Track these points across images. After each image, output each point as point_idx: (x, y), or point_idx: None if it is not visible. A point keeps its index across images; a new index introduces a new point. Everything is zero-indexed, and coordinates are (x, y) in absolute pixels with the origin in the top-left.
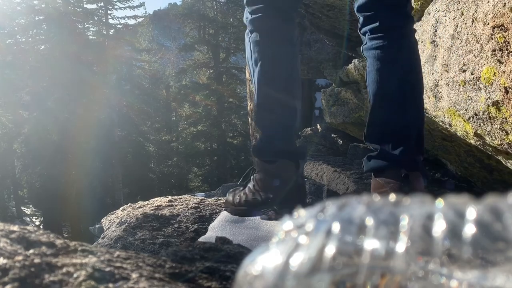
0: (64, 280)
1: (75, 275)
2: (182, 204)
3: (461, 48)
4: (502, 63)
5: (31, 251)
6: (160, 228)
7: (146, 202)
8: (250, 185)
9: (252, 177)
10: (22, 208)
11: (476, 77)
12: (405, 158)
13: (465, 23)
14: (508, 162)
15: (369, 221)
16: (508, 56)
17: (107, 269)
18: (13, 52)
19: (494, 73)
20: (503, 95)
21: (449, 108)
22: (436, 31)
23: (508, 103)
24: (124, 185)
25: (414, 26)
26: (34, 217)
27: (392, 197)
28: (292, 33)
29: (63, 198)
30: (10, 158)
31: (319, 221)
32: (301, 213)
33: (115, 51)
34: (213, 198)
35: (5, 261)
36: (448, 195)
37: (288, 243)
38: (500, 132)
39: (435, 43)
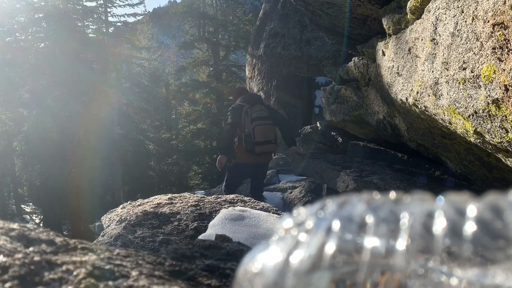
0: (64, 278)
1: (75, 273)
2: (182, 202)
3: (461, 46)
4: (502, 61)
5: (31, 248)
6: (160, 226)
7: (146, 200)
8: None
9: None
10: (22, 206)
11: (476, 75)
12: None
13: (465, 21)
14: (508, 160)
15: (369, 219)
16: (508, 54)
17: (107, 266)
18: (13, 50)
19: (494, 71)
20: (503, 93)
21: (449, 106)
22: (436, 29)
23: (508, 101)
24: (124, 183)
25: (415, 24)
26: (34, 215)
27: (392, 195)
28: None
29: (63, 196)
30: (10, 156)
31: (319, 219)
32: (301, 211)
33: (114, 49)
34: (213, 196)
35: (5, 259)
36: (448, 193)
37: (288, 240)
38: (500, 130)
39: (435, 41)
